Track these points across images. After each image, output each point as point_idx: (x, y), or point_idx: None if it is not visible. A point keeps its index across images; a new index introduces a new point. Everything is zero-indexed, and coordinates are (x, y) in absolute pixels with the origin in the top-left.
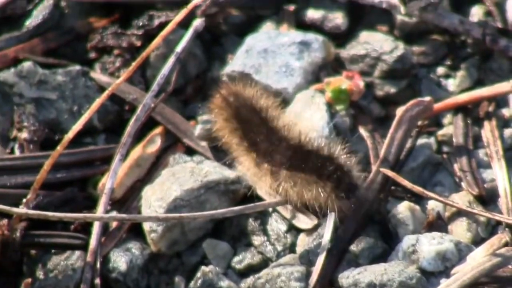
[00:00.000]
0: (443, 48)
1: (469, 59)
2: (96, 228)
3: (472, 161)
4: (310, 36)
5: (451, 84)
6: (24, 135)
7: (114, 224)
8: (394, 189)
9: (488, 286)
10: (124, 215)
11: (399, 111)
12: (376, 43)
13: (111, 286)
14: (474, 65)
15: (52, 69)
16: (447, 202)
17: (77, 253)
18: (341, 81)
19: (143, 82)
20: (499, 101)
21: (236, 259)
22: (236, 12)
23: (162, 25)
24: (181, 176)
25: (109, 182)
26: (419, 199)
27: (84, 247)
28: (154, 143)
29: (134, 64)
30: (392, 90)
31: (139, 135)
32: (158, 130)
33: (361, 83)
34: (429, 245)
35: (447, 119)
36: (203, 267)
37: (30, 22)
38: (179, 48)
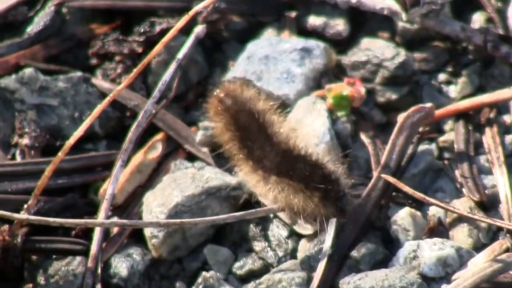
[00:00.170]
0: (444, 55)
1: (470, 65)
2: (97, 234)
3: (473, 167)
4: (312, 43)
5: (453, 90)
6: (25, 141)
7: (115, 230)
8: (395, 195)
9: None
10: (125, 221)
11: (401, 117)
12: (377, 49)
13: None
14: (475, 72)
15: (53, 75)
16: (448, 208)
17: (78, 258)
18: (342, 88)
19: (144, 89)
20: (500, 107)
21: (237, 264)
22: (238, 18)
23: (164, 32)
24: (182, 182)
25: (110, 188)
26: (420, 205)
27: (85, 253)
28: (155, 149)
29: (135, 70)
30: (394, 96)
31: (140, 141)
32: (159, 136)
33: (362, 90)
34: (430, 251)
35: (448, 125)
36: (204, 273)
37: (32, 29)
38: (180, 54)
